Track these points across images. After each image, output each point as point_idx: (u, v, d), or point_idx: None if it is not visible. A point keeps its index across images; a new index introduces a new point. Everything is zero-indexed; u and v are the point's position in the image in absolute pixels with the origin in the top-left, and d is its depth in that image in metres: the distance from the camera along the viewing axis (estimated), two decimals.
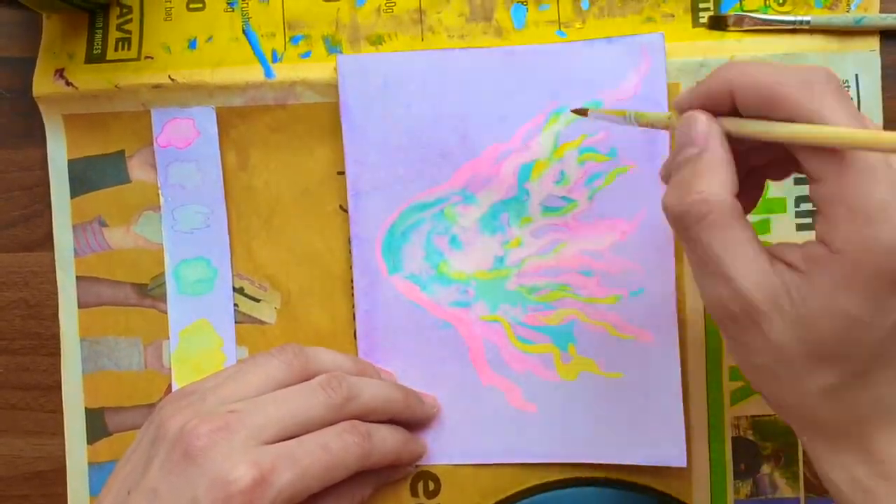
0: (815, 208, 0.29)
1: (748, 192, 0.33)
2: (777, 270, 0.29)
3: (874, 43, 0.41)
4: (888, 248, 0.27)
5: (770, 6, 0.41)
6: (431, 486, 0.42)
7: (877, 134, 0.26)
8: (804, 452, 0.42)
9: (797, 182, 0.41)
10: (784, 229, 0.41)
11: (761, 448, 0.42)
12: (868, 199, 0.27)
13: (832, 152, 0.28)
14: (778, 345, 0.29)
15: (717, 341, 0.42)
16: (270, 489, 0.33)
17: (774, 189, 0.41)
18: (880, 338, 0.28)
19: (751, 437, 0.42)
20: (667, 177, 0.32)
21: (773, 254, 0.29)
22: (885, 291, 0.27)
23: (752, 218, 0.41)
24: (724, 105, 0.30)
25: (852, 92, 0.41)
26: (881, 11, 0.41)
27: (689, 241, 0.30)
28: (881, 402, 0.30)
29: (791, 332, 0.28)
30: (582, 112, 0.38)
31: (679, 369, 0.41)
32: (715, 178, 0.29)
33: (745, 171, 0.32)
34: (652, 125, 0.34)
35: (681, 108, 0.31)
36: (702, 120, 0.30)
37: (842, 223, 0.27)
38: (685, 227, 0.29)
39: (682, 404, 0.41)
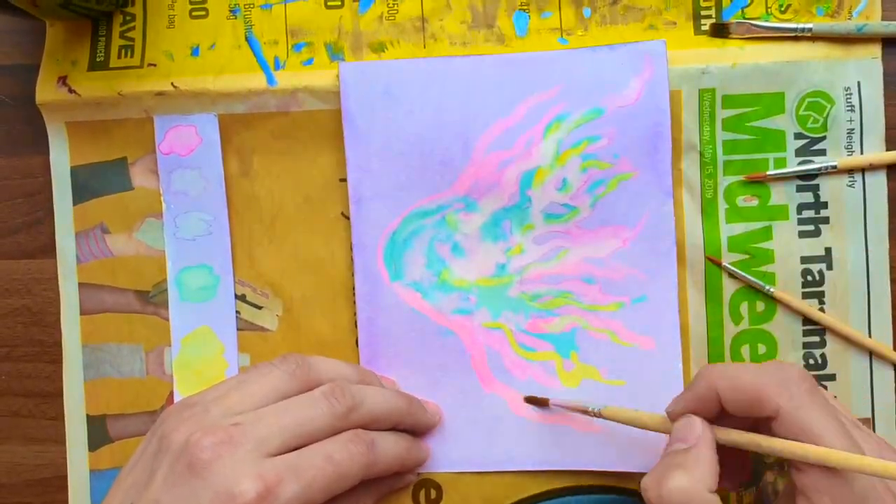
0: (790, 475, 0.32)
1: (733, 473, 0.37)
2: None
3: (876, 50, 0.41)
4: None
5: (772, 14, 0.41)
6: (433, 493, 0.42)
7: (860, 459, 0.29)
8: None
9: (799, 189, 0.41)
10: (787, 235, 0.41)
11: (764, 457, 0.42)
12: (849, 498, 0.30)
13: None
14: None
15: (719, 349, 0.42)
16: (276, 502, 0.33)
17: (776, 196, 0.41)
18: None
19: None
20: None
21: None
22: None
23: (755, 225, 0.41)
24: (712, 407, 0.33)
25: (854, 99, 0.41)
26: (883, 19, 0.41)
27: None
28: None
29: None
30: (541, 402, 0.41)
31: (682, 376, 0.41)
32: (696, 473, 0.32)
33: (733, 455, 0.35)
34: (622, 422, 0.38)
35: (674, 415, 0.35)
36: (697, 424, 0.33)
37: None
38: None
39: None
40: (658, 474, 0.32)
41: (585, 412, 0.39)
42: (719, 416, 0.34)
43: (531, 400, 0.41)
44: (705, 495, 0.31)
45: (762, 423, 0.33)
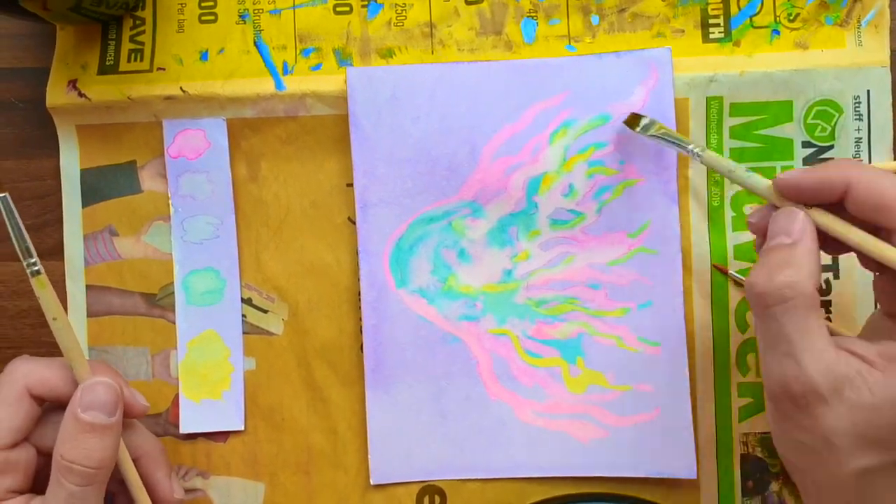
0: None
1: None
2: (843, 360, 0.30)
3: (885, 59, 0.41)
4: None
5: (780, 22, 0.41)
6: (437, 499, 0.42)
7: None
8: None
9: None
10: None
11: (770, 465, 0.41)
12: None
13: None
14: (830, 428, 0.30)
15: (724, 356, 0.42)
16: None
17: None
18: None
19: (759, 455, 0.42)
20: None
21: (840, 345, 0.31)
22: None
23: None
24: (833, 194, 0.32)
25: (863, 108, 0.41)
26: (892, 29, 0.41)
27: (766, 319, 0.32)
28: None
29: (848, 418, 0.30)
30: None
31: (688, 381, 0.41)
32: (804, 269, 0.31)
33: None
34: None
35: (786, 185, 0.33)
36: (800, 217, 0.32)
37: None
38: (766, 305, 0.31)
39: (691, 416, 0.41)
40: (767, 271, 0.32)
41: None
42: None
43: None
44: (811, 291, 0.31)
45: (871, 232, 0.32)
